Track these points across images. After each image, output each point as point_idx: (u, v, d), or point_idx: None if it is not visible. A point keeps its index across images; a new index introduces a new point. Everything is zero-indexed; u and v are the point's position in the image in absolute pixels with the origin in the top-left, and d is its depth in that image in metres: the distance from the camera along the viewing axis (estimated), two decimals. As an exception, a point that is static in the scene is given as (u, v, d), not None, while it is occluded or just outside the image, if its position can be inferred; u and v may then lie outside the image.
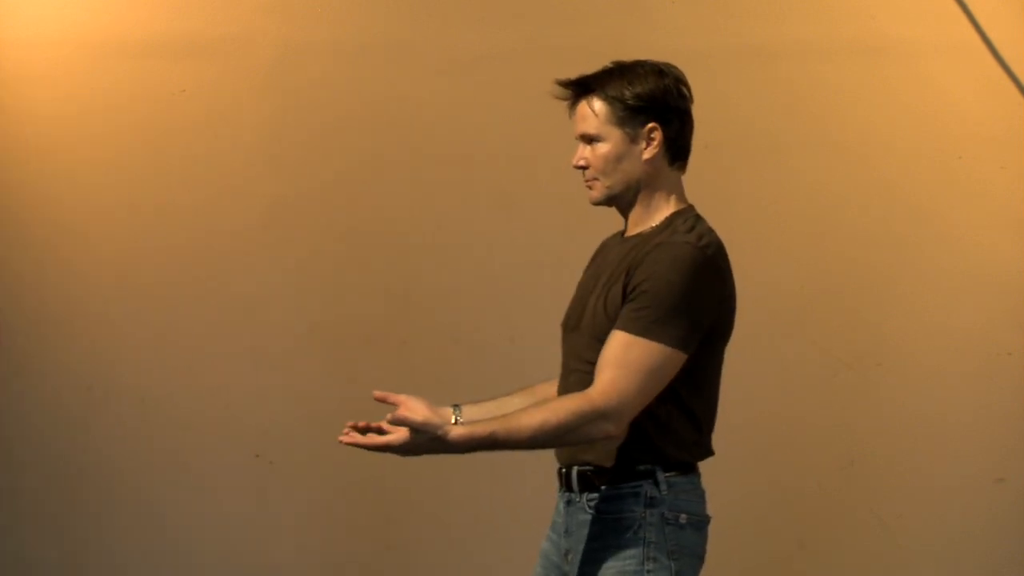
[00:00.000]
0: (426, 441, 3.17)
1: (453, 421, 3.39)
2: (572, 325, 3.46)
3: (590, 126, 3.39)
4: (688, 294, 3.26)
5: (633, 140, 3.38)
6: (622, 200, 3.42)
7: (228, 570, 5.35)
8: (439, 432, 3.17)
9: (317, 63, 5.35)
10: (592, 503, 3.36)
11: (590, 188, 3.41)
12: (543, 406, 3.26)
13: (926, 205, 5.38)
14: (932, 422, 5.35)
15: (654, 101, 3.37)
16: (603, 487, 3.35)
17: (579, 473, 3.38)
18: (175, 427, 5.33)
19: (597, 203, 3.43)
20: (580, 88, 3.41)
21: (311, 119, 5.34)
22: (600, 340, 3.31)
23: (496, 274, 5.28)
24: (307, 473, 5.33)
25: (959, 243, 5.37)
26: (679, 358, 3.25)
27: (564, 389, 3.42)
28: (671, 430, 3.34)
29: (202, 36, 5.36)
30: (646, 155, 3.38)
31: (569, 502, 3.42)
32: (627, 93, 3.36)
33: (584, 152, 3.41)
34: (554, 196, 5.16)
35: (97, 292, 5.35)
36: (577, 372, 3.39)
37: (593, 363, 3.30)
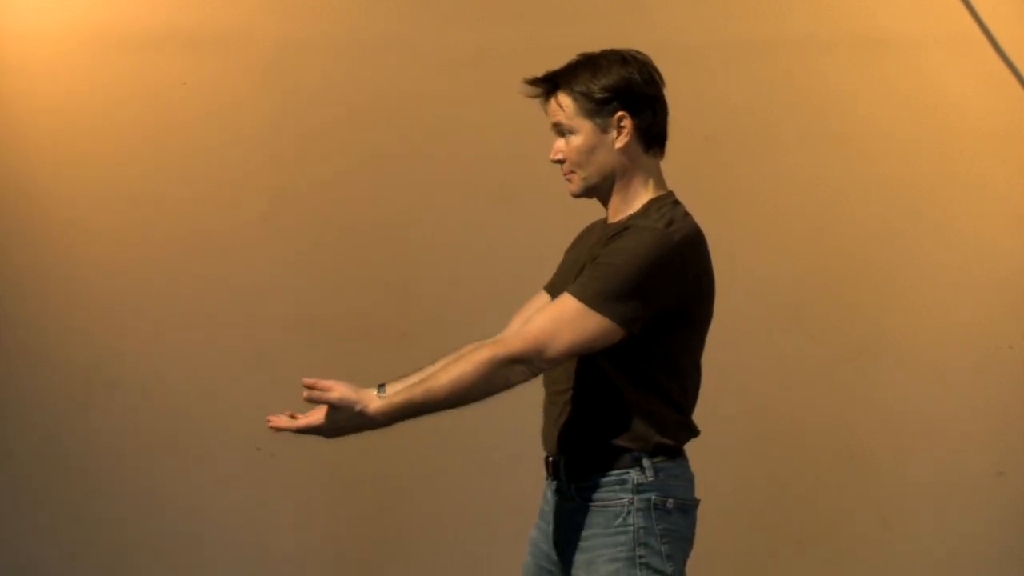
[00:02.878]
0: (347, 418, 3.24)
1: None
2: None
3: (561, 120, 3.43)
4: (642, 275, 3.27)
5: (604, 130, 3.40)
6: (600, 190, 3.45)
7: (229, 562, 5.36)
8: (358, 408, 3.23)
9: (317, 58, 5.35)
10: (580, 491, 3.38)
11: (569, 181, 3.45)
12: (457, 360, 3.27)
13: (926, 199, 5.38)
14: (932, 416, 5.35)
15: (620, 90, 3.40)
16: (590, 475, 3.37)
17: (566, 462, 3.40)
18: (176, 420, 5.33)
19: (576, 195, 3.47)
20: (548, 84, 3.45)
21: (311, 114, 5.34)
22: None
23: (495, 269, 5.29)
24: (307, 466, 5.34)
25: (959, 237, 5.37)
26: (616, 333, 3.26)
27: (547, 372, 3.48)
28: (653, 415, 3.36)
29: (203, 30, 5.37)
30: (618, 144, 3.41)
31: (558, 491, 3.44)
32: (593, 86, 3.39)
33: (559, 146, 3.46)
34: (552, 191, 5.12)
35: (97, 285, 5.36)
36: None
37: None
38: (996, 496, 5.36)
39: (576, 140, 3.41)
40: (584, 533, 3.36)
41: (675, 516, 3.37)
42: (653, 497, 3.34)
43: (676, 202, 3.45)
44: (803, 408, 5.37)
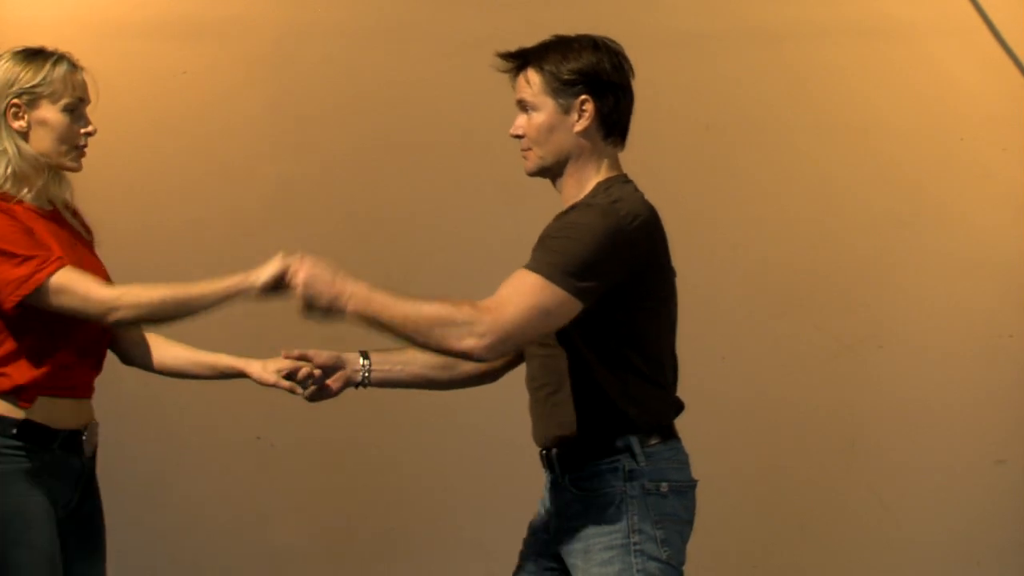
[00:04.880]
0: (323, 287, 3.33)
1: (361, 365, 3.66)
2: None
3: (526, 95, 3.46)
4: (592, 248, 3.28)
5: (566, 111, 3.44)
6: (554, 171, 3.48)
7: (229, 550, 5.36)
8: (335, 284, 3.32)
9: (318, 45, 5.34)
10: (574, 482, 3.40)
11: (525, 158, 3.49)
12: (432, 302, 3.26)
13: (927, 187, 5.38)
14: (933, 404, 5.36)
15: (587, 75, 3.43)
16: (583, 465, 3.39)
17: (559, 454, 3.42)
18: (177, 409, 5.32)
19: (531, 173, 3.50)
20: (519, 60, 3.48)
21: (312, 101, 5.33)
22: None
23: (499, 257, 5.26)
24: (307, 455, 5.33)
25: (960, 225, 5.37)
26: (571, 305, 3.26)
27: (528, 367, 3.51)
28: (632, 394, 3.38)
29: (204, 18, 5.36)
30: (577, 127, 3.44)
31: (553, 483, 3.47)
32: (561, 67, 3.43)
33: (520, 121, 3.48)
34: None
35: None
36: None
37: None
38: (996, 484, 5.37)
39: (537, 118, 3.45)
40: (580, 522, 3.39)
41: (671, 499, 3.39)
42: (646, 483, 3.37)
43: (627, 181, 3.49)
44: (804, 396, 5.37)
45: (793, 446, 5.36)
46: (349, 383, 3.70)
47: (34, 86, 3.57)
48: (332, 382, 3.70)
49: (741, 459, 5.31)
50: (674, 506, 3.40)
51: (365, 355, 3.70)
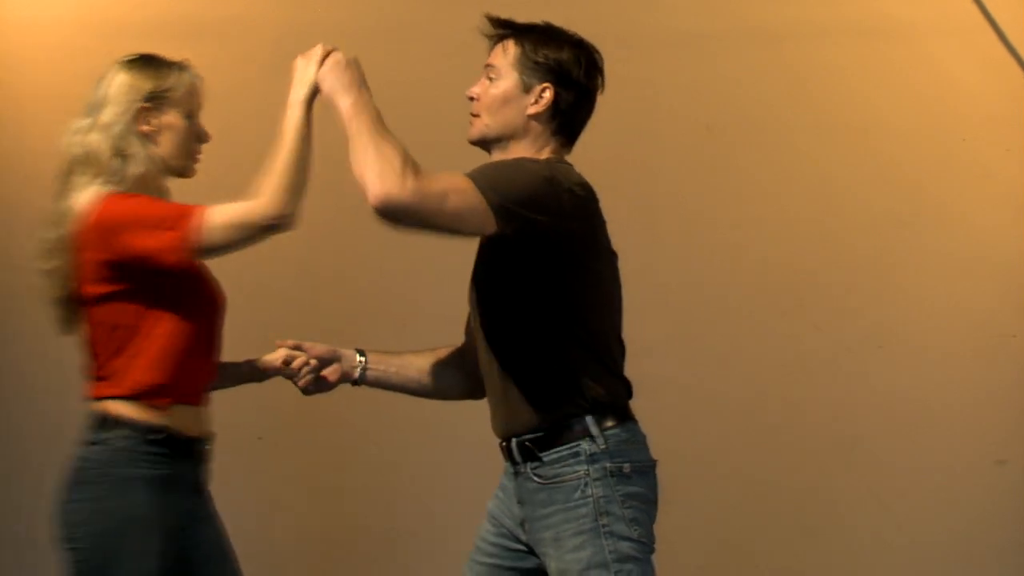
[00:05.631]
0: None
1: (357, 362, 3.72)
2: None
3: (496, 62, 3.52)
4: (519, 180, 3.33)
5: (525, 90, 3.50)
6: (494, 144, 3.52)
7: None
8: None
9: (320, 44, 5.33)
10: (536, 471, 3.43)
11: (471, 124, 3.53)
12: (398, 145, 3.32)
13: (929, 187, 5.39)
14: (934, 404, 5.37)
15: (559, 66, 3.50)
16: (543, 453, 3.41)
17: (518, 444, 3.45)
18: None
19: (472, 141, 3.55)
20: (505, 29, 3.54)
21: (315, 101, 5.32)
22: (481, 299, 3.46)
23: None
24: (309, 455, 5.33)
25: (962, 225, 5.38)
26: (486, 217, 3.28)
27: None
28: (583, 375, 3.41)
29: (205, 17, 5.35)
30: (531, 110, 3.50)
31: (516, 473, 3.49)
32: (539, 49, 3.50)
33: (479, 87, 3.54)
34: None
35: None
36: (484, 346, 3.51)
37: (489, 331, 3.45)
38: (996, 484, 5.39)
39: (498, 86, 3.51)
40: (546, 511, 3.42)
41: (634, 480, 3.42)
42: (608, 464, 3.40)
43: (569, 164, 3.52)
44: (804, 396, 5.38)
45: (793, 446, 5.36)
46: (346, 378, 3.72)
47: (164, 90, 3.62)
48: (328, 374, 3.70)
49: (741, 459, 5.31)
50: (638, 486, 3.43)
51: (362, 353, 3.75)
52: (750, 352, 5.36)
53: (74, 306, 3.55)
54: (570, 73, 3.52)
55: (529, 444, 3.43)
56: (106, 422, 3.54)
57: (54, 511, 3.55)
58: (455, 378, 3.75)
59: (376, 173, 3.23)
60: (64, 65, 5.33)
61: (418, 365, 3.76)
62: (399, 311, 5.30)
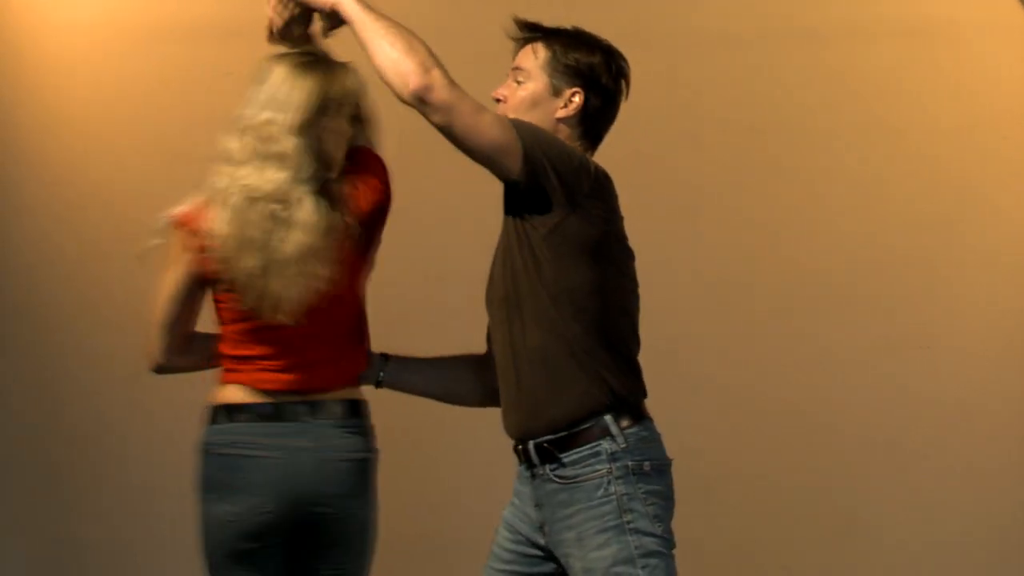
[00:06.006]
0: None
1: (378, 364, 3.65)
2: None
3: (526, 64, 3.49)
4: (554, 143, 3.36)
5: (555, 94, 3.47)
6: None
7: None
8: None
9: (358, 44, 5.34)
10: (556, 472, 3.39)
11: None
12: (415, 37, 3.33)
13: (971, 185, 5.36)
14: (977, 406, 5.34)
15: (590, 71, 3.47)
16: (562, 455, 3.38)
17: (536, 446, 3.41)
18: (197, 409, 5.34)
19: None
20: (534, 32, 3.52)
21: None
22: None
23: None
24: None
25: (1005, 224, 5.35)
26: (516, 159, 3.29)
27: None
28: (602, 368, 3.37)
29: (247, 18, 5.36)
30: (560, 113, 3.47)
31: (533, 475, 3.45)
32: (569, 53, 3.47)
33: (508, 88, 3.50)
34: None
35: (136, 272, 5.36)
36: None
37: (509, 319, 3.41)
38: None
39: (527, 88, 3.48)
40: (568, 511, 3.38)
41: (654, 477, 3.39)
42: (630, 463, 3.37)
43: None
44: (846, 397, 5.36)
45: (835, 448, 5.35)
46: (364, 381, 3.69)
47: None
48: None
49: (784, 460, 5.30)
50: (658, 484, 3.41)
51: (385, 357, 3.70)
52: (792, 353, 5.35)
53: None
54: (600, 78, 3.50)
55: (548, 446, 3.40)
56: (362, 405, 3.55)
57: (348, 508, 3.51)
58: (474, 384, 3.72)
59: (417, 62, 3.26)
60: (106, 68, 5.37)
61: (440, 370, 3.74)
62: (416, 314, 5.27)
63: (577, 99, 3.48)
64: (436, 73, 3.27)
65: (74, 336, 5.45)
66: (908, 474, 5.34)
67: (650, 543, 3.35)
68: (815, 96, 5.38)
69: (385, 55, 3.30)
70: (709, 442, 5.20)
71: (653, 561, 3.35)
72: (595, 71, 3.49)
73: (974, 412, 5.33)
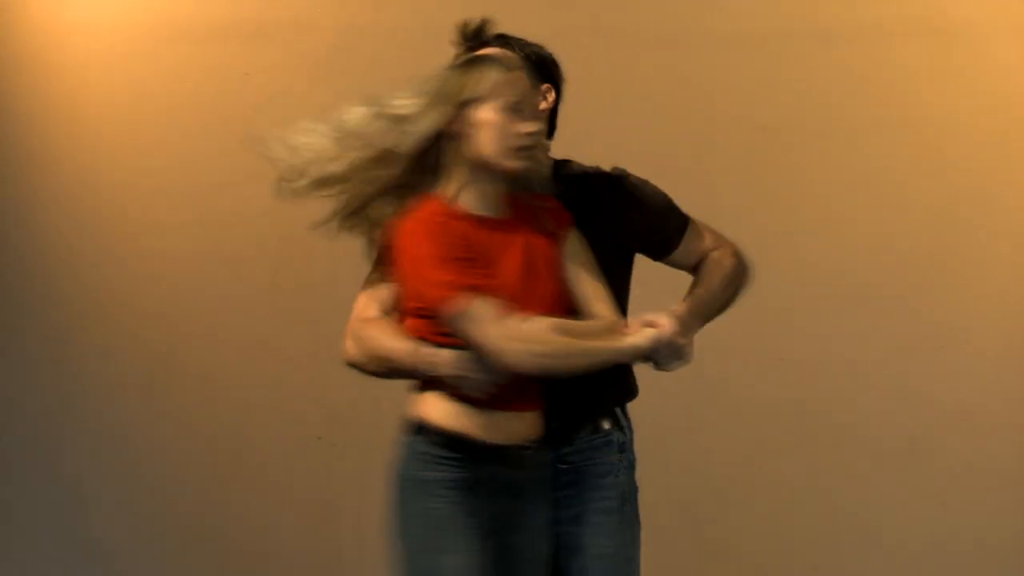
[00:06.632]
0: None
1: None
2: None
3: (544, 105, 3.49)
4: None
5: (543, 97, 3.50)
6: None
7: (291, 550, 5.38)
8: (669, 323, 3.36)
9: (378, 46, 5.36)
10: (567, 455, 3.42)
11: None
12: (716, 266, 3.52)
13: (989, 187, 5.36)
14: (993, 407, 5.34)
15: (555, 67, 3.53)
16: (574, 439, 3.42)
17: (549, 429, 3.41)
18: (239, 410, 5.36)
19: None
20: (543, 79, 3.48)
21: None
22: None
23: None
24: (367, 454, 5.34)
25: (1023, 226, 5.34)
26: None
27: None
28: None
29: (265, 20, 5.39)
30: (542, 105, 3.46)
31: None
32: (534, 50, 3.52)
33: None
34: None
35: (162, 274, 5.39)
36: None
37: None
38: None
39: (543, 123, 3.46)
40: (569, 492, 3.42)
41: (634, 473, 3.49)
42: (632, 457, 3.46)
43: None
44: (862, 397, 5.36)
45: (850, 448, 5.35)
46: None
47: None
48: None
49: (800, 460, 5.30)
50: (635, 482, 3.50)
51: None
52: (808, 353, 5.35)
53: None
54: (556, 73, 3.57)
55: (560, 430, 3.41)
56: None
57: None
58: None
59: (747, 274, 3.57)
60: (126, 68, 5.39)
61: None
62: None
63: (550, 95, 3.53)
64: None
65: (89, 337, 5.47)
66: (925, 475, 5.34)
67: (639, 536, 3.45)
68: (830, 96, 5.38)
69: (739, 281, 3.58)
70: (721, 442, 5.20)
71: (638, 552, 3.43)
72: (555, 66, 3.55)
73: (990, 413, 5.33)
